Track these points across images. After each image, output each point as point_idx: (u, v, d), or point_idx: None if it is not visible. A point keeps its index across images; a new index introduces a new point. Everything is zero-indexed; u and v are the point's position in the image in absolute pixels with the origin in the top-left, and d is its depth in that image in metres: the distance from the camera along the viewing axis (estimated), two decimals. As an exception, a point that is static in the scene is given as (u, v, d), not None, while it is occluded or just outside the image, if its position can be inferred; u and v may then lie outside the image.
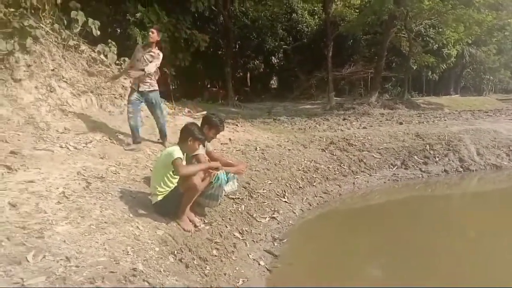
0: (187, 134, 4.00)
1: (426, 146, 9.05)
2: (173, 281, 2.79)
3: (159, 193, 3.83)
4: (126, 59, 8.27)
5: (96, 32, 7.69)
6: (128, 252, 2.92)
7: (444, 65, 28.64)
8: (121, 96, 7.40)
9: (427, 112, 17.63)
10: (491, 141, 9.57)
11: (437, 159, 8.84)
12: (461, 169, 8.73)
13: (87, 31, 7.67)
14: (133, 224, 3.40)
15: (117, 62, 8.08)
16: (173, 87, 18.76)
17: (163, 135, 6.42)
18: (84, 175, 4.26)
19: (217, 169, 4.04)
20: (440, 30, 23.11)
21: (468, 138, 9.51)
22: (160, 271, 2.86)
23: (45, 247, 2.71)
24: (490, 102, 29.23)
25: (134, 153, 5.60)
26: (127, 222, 3.40)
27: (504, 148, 9.39)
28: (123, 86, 7.63)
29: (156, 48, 6.16)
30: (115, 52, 8.07)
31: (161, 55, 6.18)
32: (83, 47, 7.67)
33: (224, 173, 4.27)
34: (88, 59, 7.58)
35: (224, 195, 4.72)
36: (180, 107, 10.41)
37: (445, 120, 12.92)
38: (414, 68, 26.79)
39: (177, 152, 3.79)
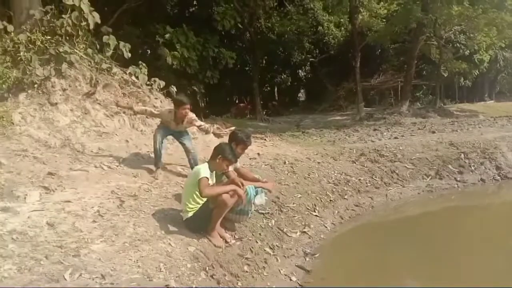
0: (218, 152, 4.06)
1: (460, 154, 8.79)
2: (205, 298, 2.82)
3: (189, 210, 3.90)
4: (157, 79, 8.50)
5: (127, 55, 7.98)
6: (160, 269, 2.97)
7: (477, 71, 27.81)
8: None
9: (461, 119, 17.13)
10: (530, 147, 9.19)
11: (472, 168, 8.56)
12: (499, 177, 8.42)
13: (119, 53, 7.96)
14: (165, 241, 3.46)
15: (148, 82, 8.32)
16: (202, 104, 19.10)
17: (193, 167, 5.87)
18: (117, 194, 4.39)
19: (239, 196, 3.91)
20: (471, 35, 22.53)
21: (504, 145, 9.17)
22: (192, 288, 2.90)
23: (81, 265, 2.81)
24: (528, 107, 28.06)
25: (166, 171, 5.71)
26: (159, 239, 3.47)
27: (544, 154, 8.99)
28: (154, 105, 7.83)
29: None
30: (146, 73, 8.32)
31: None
32: (115, 69, 7.96)
33: (253, 187, 4.30)
34: (120, 81, 7.84)
35: (254, 210, 4.74)
36: (209, 124, 10.55)
37: (479, 127, 12.52)
38: (446, 75, 26.17)
39: (203, 171, 3.85)
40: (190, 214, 3.89)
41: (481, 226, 6.42)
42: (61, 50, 6.69)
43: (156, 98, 8.11)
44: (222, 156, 4.03)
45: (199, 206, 3.93)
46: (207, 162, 4.12)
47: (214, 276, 3.30)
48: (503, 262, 4.90)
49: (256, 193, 4.38)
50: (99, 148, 5.89)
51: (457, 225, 6.41)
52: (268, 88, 29.55)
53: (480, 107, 26.29)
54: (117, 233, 3.42)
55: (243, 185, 4.16)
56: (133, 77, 8.16)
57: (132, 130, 7.01)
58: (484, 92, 35.98)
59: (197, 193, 3.91)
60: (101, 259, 2.94)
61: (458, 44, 24.05)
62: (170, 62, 13.76)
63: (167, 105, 8.21)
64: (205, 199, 3.96)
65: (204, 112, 13.72)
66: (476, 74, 28.43)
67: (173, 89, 8.55)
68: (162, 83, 8.49)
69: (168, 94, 8.68)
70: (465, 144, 9.18)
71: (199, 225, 3.91)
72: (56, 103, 6.24)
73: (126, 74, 8.12)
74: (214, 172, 4.09)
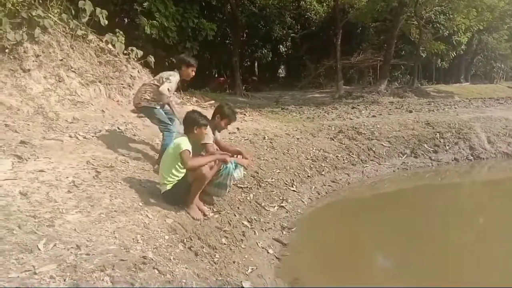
0: (191, 123, 3.99)
1: (436, 134, 8.97)
2: (183, 269, 2.81)
3: (168, 183, 3.85)
4: (134, 48, 8.26)
5: (104, 22, 7.67)
6: (138, 240, 2.93)
7: (455, 53, 28.22)
8: (129, 86, 7.40)
9: (437, 100, 17.44)
10: (502, 129, 9.45)
11: (447, 147, 8.76)
12: (472, 157, 8.65)
13: (95, 20, 7.65)
14: (142, 213, 3.41)
15: (125, 51, 8.06)
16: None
17: None
18: (93, 165, 4.28)
19: (225, 161, 4.05)
20: (451, 16, 22.73)
21: (478, 126, 9.39)
22: (170, 259, 2.87)
23: (55, 235, 2.73)
24: (501, 90, 28.87)
25: (143, 143, 5.62)
26: (136, 211, 3.41)
27: (515, 135, 9.26)
28: (131, 75, 7.63)
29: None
30: (123, 42, 8.04)
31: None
32: (91, 36, 7.66)
33: (233, 161, 4.28)
34: (96, 49, 7.57)
35: (233, 184, 4.74)
36: (188, 97, 10.41)
37: (455, 108, 12.78)
38: (424, 55, 26.47)
39: (184, 144, 3.79)
40: (169, 187, 3.84)
41: (453, 203, 6.61)
42: (34, 14, 6.35)
43: (133, 68, 7.89)
44: (197, 125, 3.98)
45: (177, 179, 3.89)
46: (185, 135, 4.05)
47: (192, 248, 3.29)
48: (469, 235, 5.09)
49: (235, 167, 4.37)
50: (74, 118, 5.71)
51: (429, 202, 6.59)
52: (248, 63, 29.23)
53: (456, 88, 26.84)
54: (93, 204, 3.34)
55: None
56: (110, 46, 7.89)
57: (109, 100, 6.82)
58: (460, 74, 36.68)
59: (176, 166, 3.86)
60: (76, 229, 2.87)
61: (437, 25, 24.25)
62: (149, 31, 13.37)
63: (145, 75, 8.03)
64: (183, 173, 3.91)
65: (182, 85, 13.43)
66: (453, 56, 28.85)
67: (151, 59, 8.33)
68: (140, 53, 8.25)
69: (146, 64, 8.46)
70: (440, 124, 9.36)
71: (178, 198, 3.88)
72: (29, 70, 5.97)
73: (102, 42, 7.83)
74: (193, 144, 4.03)
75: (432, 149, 8.66)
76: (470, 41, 28.96)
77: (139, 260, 2.63)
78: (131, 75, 7.66)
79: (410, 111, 11.87)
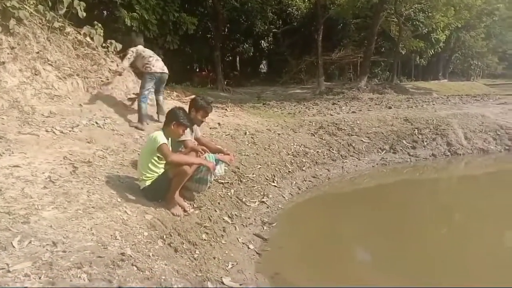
0: (171, 118, 3.93)
1: (414, 130, 9.11)
2: (162, 265, 2.78)
3: (146, 179, 3.80)
4: (113, 41, 8.11)
5: (82, 14, 7.49)
6: (116, 236, 2.89)
7: (433, 50, 28.71)
8: (108, 79, 7.27)
9: (416, 96, 17.70)
10: (479, 125, 9.66)
11: (425, 143, 8.91)
12: (449, 153, 8.82)
13: (73, 13, 7.47)
14: (121, 209, 3.36)
15: (104, 44, 7.90)
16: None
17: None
18: (70, 160, 4.19)
19: (210, 167, 3.99)
20: (430, 14, 23.09)
21: (456, 123, 9.58)
22: (149, 256, 2.84)
23: (31, 232, 2.67)
24: (477, 87, 29.53)
25: (122, 138, 5.53)
26: (115, 207, 3.36)
27: (491, 132, 9.49)
28: (110, 69, 7.49)
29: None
30: (102, 34, 7.88)
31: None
32: (69, 29, 7.48)
33: (213, 156, 4.26)
34: (74, 41, 7.39)
35: (214, 180, 4.72)
36: (168, 91, 10.29)
37: (433, 104, 13.00)
38: (403, 53, 26.84)
39: (160, 138, 3.74)
40: (148, 183, 3.79)
41: (430, 198, 6.74)
42: (8, 4, 6.15)
43: (112, 62, 7.75)
44: (176, 121, 3.91)
45: (156, 175, 3.84)
46: (161, 129, 3.99)
47: (171, 244, 3.26)
48: (447, 229, 5.20)
49: (217, 163, 4.35)
50: (51, 112, 5.58)
51: (408, 197, 6.70)
52: (230, 58, 29.11)
53: (434, 85, 27.33)
54: (70, 200, 3.28)
55: (204, 152, 4.12)
56: (88, 38, 7.72)
57: (86, 93, 6.68)
58: (438, 71, 37.36)
59: (153, 161, 3.81)
60: (52, 226, 2.81)
61: (417, 22, 24.59)
62: (129, 23, 13.12)
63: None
64: (161, 168, 3.86)
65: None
66: (432, 53, 29.36)
67: (131, 52, 8.17)
68: (119, 46, 8.10)
69: (124, 58, 8.30)
70: (419, 120, 9.51)
71: (157, 194, 3.83)
72: (3, 62, 5.79)
73: (80, 34, 7.65)
74: (170, 139, 3.98)
75: (410, 145, 8.81)
76: (448, 39, 29.47)
77: (117, 257, 2.59)
78: (109, 69, 7.52)
79: (389, 108, 12.03)
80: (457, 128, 9.40)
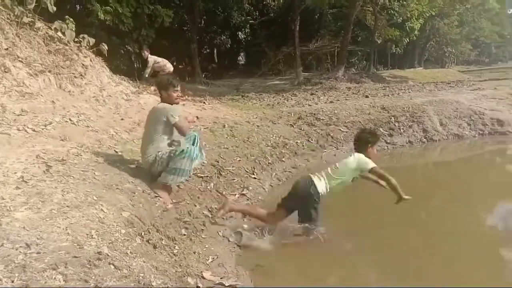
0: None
1: (391, 118, 9.25)
2: (141, 263, 2.74)
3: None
4: (86, 36, 7.91)
5: (52, 8, 7.27)
6: (92, 235, 2.83)
7: (408, 39, 29.07)
8: (81, 75, 7.10)
9: (392, 85, 17.95)
10: (453, 111, 9.87)
11: (401, 130, 9.06)
12: (425, 139, 9.00)
13: (43, 7, 7.24)
14: (97, 207, 3.29)
15: (76, 39, 7.71)
16: (137, 65, 18.18)
17: None
18: (43, 158, 4.08)
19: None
20: (404, 3, 23.33)
21: (431, 110, 9.76)
22: (127, 254, 2.80)
23: (3, 234, 2.59)
24: (452, 74, 30.09)
25: (97, 134, 5.42)
26: (90, 205, 3.30)
27: (465, 118, 9.71)
28: (83, 64, 7.32)
29: None
30: (74, 29, 7.68)
31: None
32: (39, 24, 7.26)
33: (197, 148, 4.28)
34: (45, 37, 7.19)
35: (192, 174, 4.69)
36: (145, 86, 10.14)
37: (409, 92, 13.20)
38: (379, 42, 27.08)
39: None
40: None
41: (406, 184, 6.84)
42: (-28, 0, 5.95)
43: (85, 57, 7.57)
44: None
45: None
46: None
47: (150, 241, 3.22)
48: (423, 215, 5.29)
49: (197, 156, 4.36)
50: (22, 110, 5.41)
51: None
52: (207, 50, 28.82)
53: (410, 73, 27.73)
54: (44, 199, 3.19)
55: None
56: (59, 33, 7.51)
57: (59, 90, 6.51)
58: (414, 59, 37.87)
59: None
60: (25, 227, 2.73)
61: (392, 11, 24.82)
62: (102, 17, 12.83)
63: (98, 64, 7.74)
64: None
65: (139, 74, 13.07)
66: (407, 41, 29.73)
67: (104, 47, 8.02)
68: (92, 41, 7.91)
69: (99, 53, 8.13)
70: (395, 108, 9.65)
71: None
72: (-30, 60, 5.60)
73: (51, 29, 7.44)
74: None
75: (387, 132, 8.94)
76: (422, 27, 29.85)
77: (93, 256, 2.54)
78: (83, 64, 7.35)
79: (367, 96, 12.15)
80: (433, 114, 9.58)
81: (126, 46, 15.12)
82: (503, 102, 10.94)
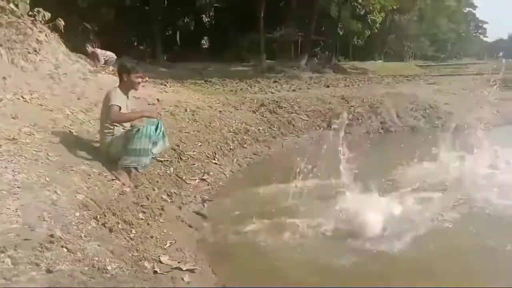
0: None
1: (350, 108, 9.46)
2: (95, 246, 2.67)
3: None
4: (41, 10, 7.49)
5: (3, -22, 6.83)
6: (44, 218, 2.72)
7: (370, 31, 29.71)
8: (35, 51, 6.72)
9: (353, 76, 18.34)
10: (410, 104, 10.23)
11: (360, 121, 9.30)
12: (382, 130, 9.29)
13: (-7, -24, 6.78)
14: (50, 189, 3.17)
15: (30, 13, 7.28)
16: (95, 45, 17.47)
17: None
18: (-8, 137, 3.87)
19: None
20: (367, -5, 23.78)
21: (389, 102, 10.07)
22: (81, 237, 2.72)
23: None
24: (410, 68, 31.03)
25: (51, 113, 5.18)
26: (43, 187, 3.16)
27: (420, 110, 10.10)
28: (38, 39, 6.94)
29: None
30: (28, 2, 7.26)
31: None
32: (-12, -6, 6.80)
33: (160, 131, 4.21)
34: (-5, 8, 6.75)
35: (152, 158, 4.60)
36: (103, 65, 9.78)
37: (369, 84, 13.56)
38: (342, 33, 27.51)
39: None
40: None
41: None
42: None
43: (40, 31, 7.17)
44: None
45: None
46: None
47: (106, 225, 3.14)
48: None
49: (157, 141, 4.28)
50: (-31, 85, 5.10)
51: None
52: (170, 32, 28.19)
53: (370, 65, 28.35)
54: (-8, 180, 3.03)
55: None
56: (12, 5, 7.07)
57: (11, 66, 6.14)
58: (374, 52, 38.72)
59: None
60: (-29, 209, 2.59)
61: (355, 3, 25.25)
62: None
63: (54, 40, 7.37)
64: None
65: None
66: (368, 34, 30.38)
67: (61, 22, 7.64)
68: (48, 15, 7.50)
69: (54, 28, 7.73)
70: (355, 99, 9.89)
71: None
72: None
73: (3, 1, 6.99)
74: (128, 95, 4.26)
75: (347, 122, 9.13)
76: (384, 20, 30.58)
77: (45, 239, 2.45)
78: (37, 39, 6.95)
79: (328, 86, 12.36)
80: (390, 106, 9.89)
81: (84, 23, 14.53)
82: (456, 96, 11.46)
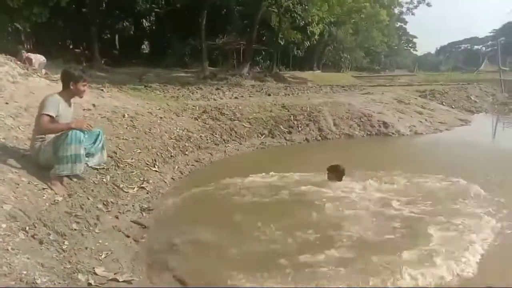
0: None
1: (290, 116, 9.73)
2: (24, 260, 2.51)
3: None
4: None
5: None
6: (-35, 231, 2.52)
7: (309, 42, 30.70)
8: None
9: (293, 85, 18.84)
10: (346, 113, 10.68)
11: (299, 128, 9.58)
12: (320, 138, 9.63)
13: None
14: (-28, 200, 2.94)
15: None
16: (28, 46, 16.49)
17: None
18: None
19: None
20: (306, 7, 24.57)
21: (327, 110, 10.45)
22: (7, 250, 2.54)
23: None
24: (346, 78, 32.40)
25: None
26: (-36, 197, 2.93)
27: (356, 119, 10.58)
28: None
29: None
30: None
31: None
32: None
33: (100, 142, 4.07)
34: None
35: (89, 166, 4.42)
36: (35, 68, 9.24)
37: (307, 93, 13.98)
38: (282, 43, 28.18)
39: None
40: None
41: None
42: None
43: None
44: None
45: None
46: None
47: (35, 236, 2.96)
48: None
49: (96, 153, 4.14)
50: None
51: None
52: (109, 35, 27.27)
53: (309, 75, 29.31)
54: None
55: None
56: None
57: None
58: (313, 62, 39.97)
59: None
60: None
61: (295, 14, 25.97)
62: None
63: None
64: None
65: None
66: (308, 45, 31.38)
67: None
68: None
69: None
70: (294, 107, 10.17)
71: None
72: None
73: None
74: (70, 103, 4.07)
75: (287, 130, 9.38)
76: (322, 32, 31.70)
77: (-33, 253, 2.27)
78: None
79: (269, 95, 12.59)
80: (328, 115, 10.28)
81: (15, 23, 13.68)
82: (389, 106, 12.14)
